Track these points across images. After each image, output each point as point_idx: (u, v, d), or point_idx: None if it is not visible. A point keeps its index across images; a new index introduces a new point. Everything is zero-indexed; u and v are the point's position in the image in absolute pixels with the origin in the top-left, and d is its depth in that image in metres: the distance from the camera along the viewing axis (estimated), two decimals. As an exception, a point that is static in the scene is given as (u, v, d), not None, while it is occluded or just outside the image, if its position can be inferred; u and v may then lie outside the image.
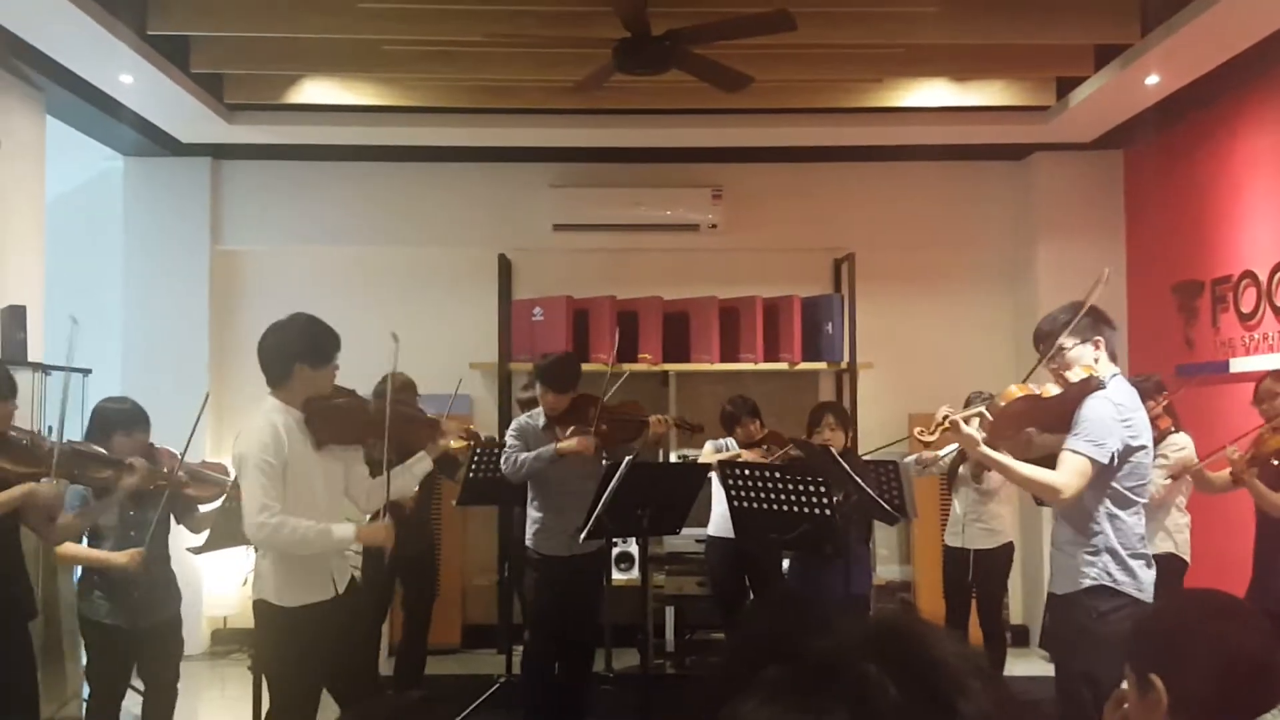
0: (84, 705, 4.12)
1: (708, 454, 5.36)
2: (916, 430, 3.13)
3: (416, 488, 3.96)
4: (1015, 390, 3.09)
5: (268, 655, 3.47)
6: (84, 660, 4.26)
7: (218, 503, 3.98)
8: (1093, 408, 3.03)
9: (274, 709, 3.47)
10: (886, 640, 0.80)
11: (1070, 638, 3.08)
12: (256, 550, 3.49)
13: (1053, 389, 3.09)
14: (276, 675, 3.44)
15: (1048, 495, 3.08)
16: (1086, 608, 3.00)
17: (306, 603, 3.37)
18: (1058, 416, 3.11)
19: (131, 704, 4.15)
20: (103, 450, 3.73)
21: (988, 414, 3.09)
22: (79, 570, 4.05)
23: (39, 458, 3.45)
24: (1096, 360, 3.13)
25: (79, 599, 4.00)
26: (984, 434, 3.06)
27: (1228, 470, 4.29)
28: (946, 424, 3.01)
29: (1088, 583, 3.01)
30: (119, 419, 3.89)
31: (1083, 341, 3.14)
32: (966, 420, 3.04)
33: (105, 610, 3.85)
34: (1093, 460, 2.98)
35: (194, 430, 3.97)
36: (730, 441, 5.41)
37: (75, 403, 5.60)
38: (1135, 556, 3.04)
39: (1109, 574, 3.00)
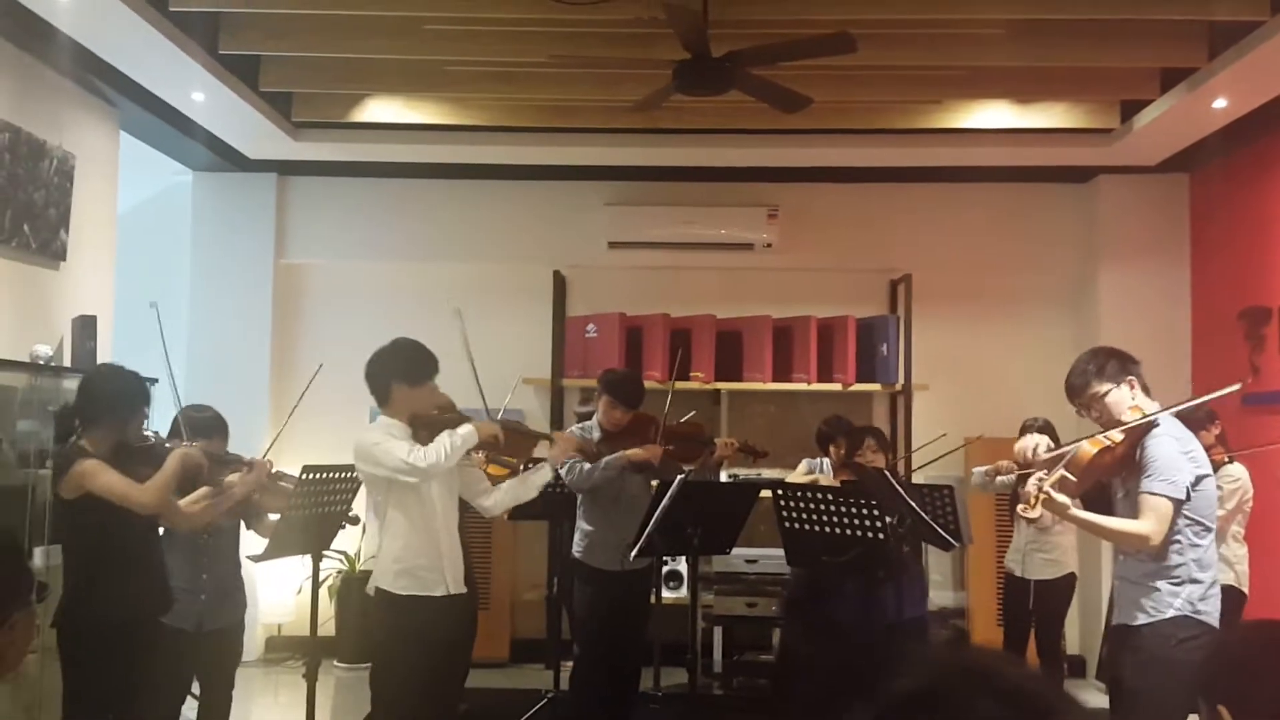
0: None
1: (800, 473, 5.30)
2: (1020, 508, 3.19)
3: (535, 494, 4.13)
4: (1091, 448, 3.12)
5: (377, 642, 3.76)
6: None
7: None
8: (1157, 447, 3.06)
9: (374, 702, 3.75)
10: (978, 673, 0.83)
11: (1144, 664, 3.06)
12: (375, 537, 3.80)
13: (1117, 435, 3.11)
14: (381, 664, 3.75)
15: (1137, 545, 3.09)
16: (1166, 634, 3.01)
17: (415, 594, 3.65)
18: (1121, 461, 3.15)
19: (189, 708, 4.22)
20: (219, 453, 3.86)
21: (1070, 476, 3.13)
22: None
23: (164, 455, 3.58)
24: (1135, 398, 3.16)
25: None
26: (1069, 496, 3.13)
27: None
28: (1042, 495, 3.06)
29: (1172, 613, 3.01)
30: (200, 426, 3.97)
31: (1117, 385, 3.16)
32: (1055, 486, 3.09)
33: (172, 613, 3.88)
34: (1171, 499, 3.01)
35: (305, 391, 4.35)
36: (825, 462, 5.32)
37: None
38: (1212, 584, 3.07)
39: (1192, 604, 3.01)
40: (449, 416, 3.88)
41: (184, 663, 3.97)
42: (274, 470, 3.97)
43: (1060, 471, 3.11)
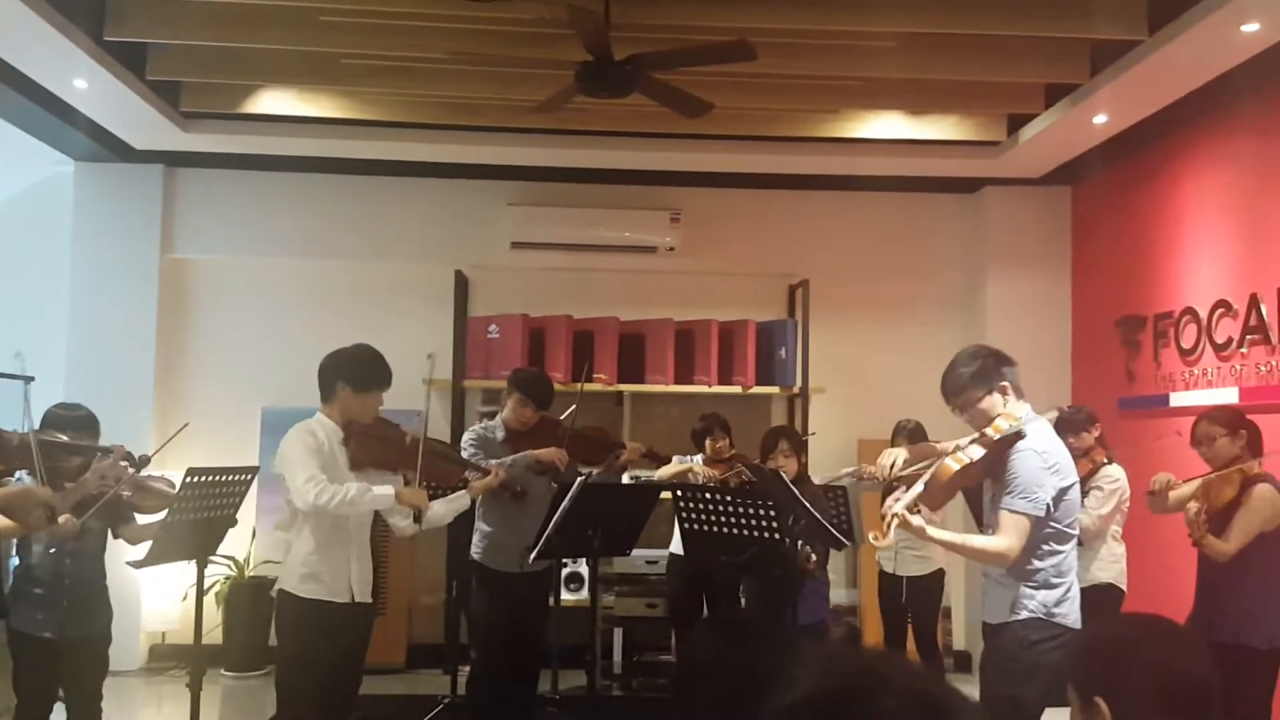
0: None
1: (673, 467, 5.36)
2: (871, 535, 3.08)
3: (450, 520, 4.25)
4: (953, 465, 3.12)
5: (281, 644, 3.77)
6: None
7: (159, 515, 3.90)
8: (1020, 462, 3.08)
9: (279, 704, 3.76)
10: (878, 674, 0.85)
11: (1001, 664, 3.15)
12: (286, 539, 3.80)
13: (978, 451, 3.13)
14: (281, 667, 3.77)
15: (997, 562, 3.14)
16: (1020, 637, 3.08)
17: (319, 598, 3.66)
18: (987, 470, 3.18)
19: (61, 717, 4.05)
20: (69, 439, 3.67)
21: (926, 491, 3.13)
22: (10, 579, 3.95)
23: (9, 452, 3.39)
24: (1006, 404, 3.17)
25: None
26: (931, 509, 3.18)
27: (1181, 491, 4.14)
28: (896, 520, 3.04)
29: (1025, 614, 3.08)
30: (69, 424, 3.82)
31: (989, 391, 3.17)
32: (910, 508, 3.06)
33: (33, 621, 3.77)
34: (1030, 516, 3.05)
35: (163, 445, 4.05)
36: (698, 458, 5.40)
37: (17, 410, 5.49)
38: (1070, 588, 3.13)
39: (1046, 607, 3.08)
40: (386, 434, 3.86)
41: (46, 671, 3.84)
42: (144, 472, 3.80)
43: (919, 489, 3.09)
